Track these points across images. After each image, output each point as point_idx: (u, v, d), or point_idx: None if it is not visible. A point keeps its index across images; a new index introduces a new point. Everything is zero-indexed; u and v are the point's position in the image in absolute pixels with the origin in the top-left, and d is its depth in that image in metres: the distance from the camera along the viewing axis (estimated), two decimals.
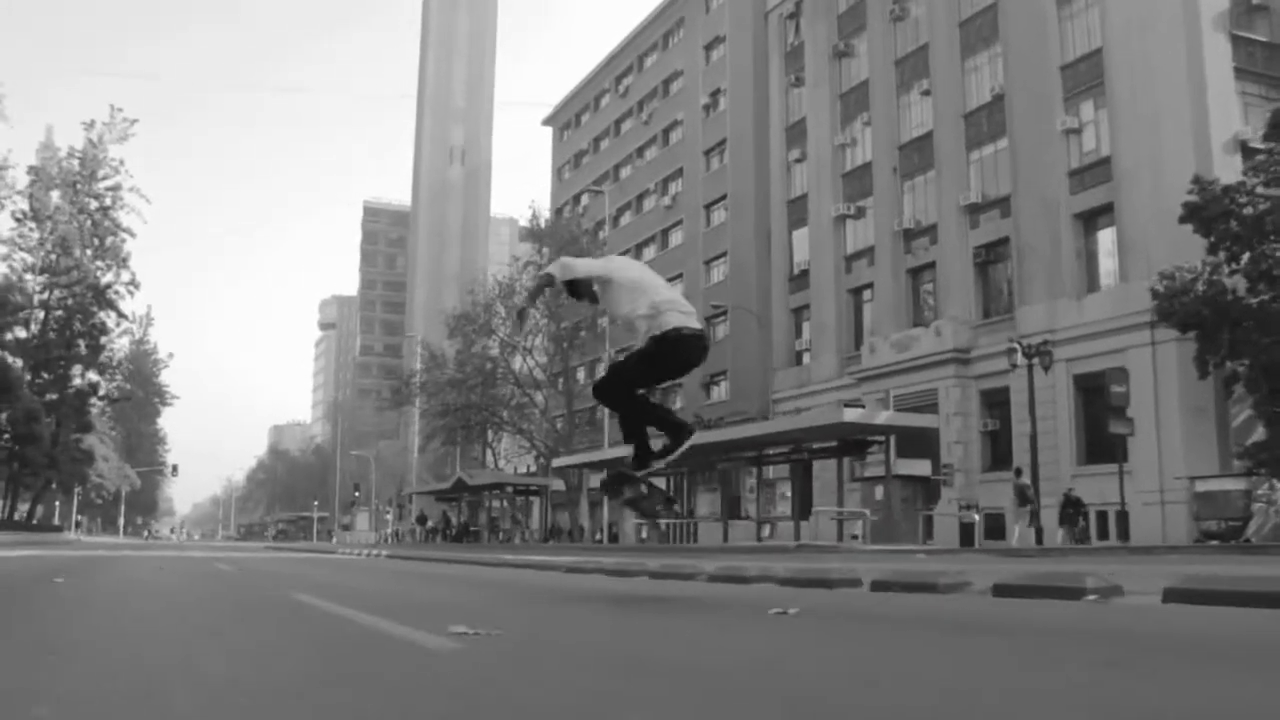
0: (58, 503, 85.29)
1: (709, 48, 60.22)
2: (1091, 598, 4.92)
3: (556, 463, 49.20)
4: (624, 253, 62.58)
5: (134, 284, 60.69)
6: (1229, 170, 29.03)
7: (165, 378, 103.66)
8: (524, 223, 61.47)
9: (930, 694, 2.48)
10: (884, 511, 28.36)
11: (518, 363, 58.34)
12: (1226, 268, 26.97)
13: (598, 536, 48.63)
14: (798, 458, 32.10)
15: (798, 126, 48.16)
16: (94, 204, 59.01)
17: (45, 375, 57.74)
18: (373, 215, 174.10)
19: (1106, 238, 33.92)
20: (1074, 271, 34.14)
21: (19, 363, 55.15)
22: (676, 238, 61.59)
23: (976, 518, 29.53)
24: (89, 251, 58.37)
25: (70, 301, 57.76)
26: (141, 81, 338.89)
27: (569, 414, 56.92)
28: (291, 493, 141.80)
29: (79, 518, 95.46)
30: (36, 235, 56.95)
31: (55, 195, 57.68)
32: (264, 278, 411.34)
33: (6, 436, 52.82)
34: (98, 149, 58.60)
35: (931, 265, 39.88)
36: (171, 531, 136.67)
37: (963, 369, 37.04)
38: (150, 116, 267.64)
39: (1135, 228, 32.20)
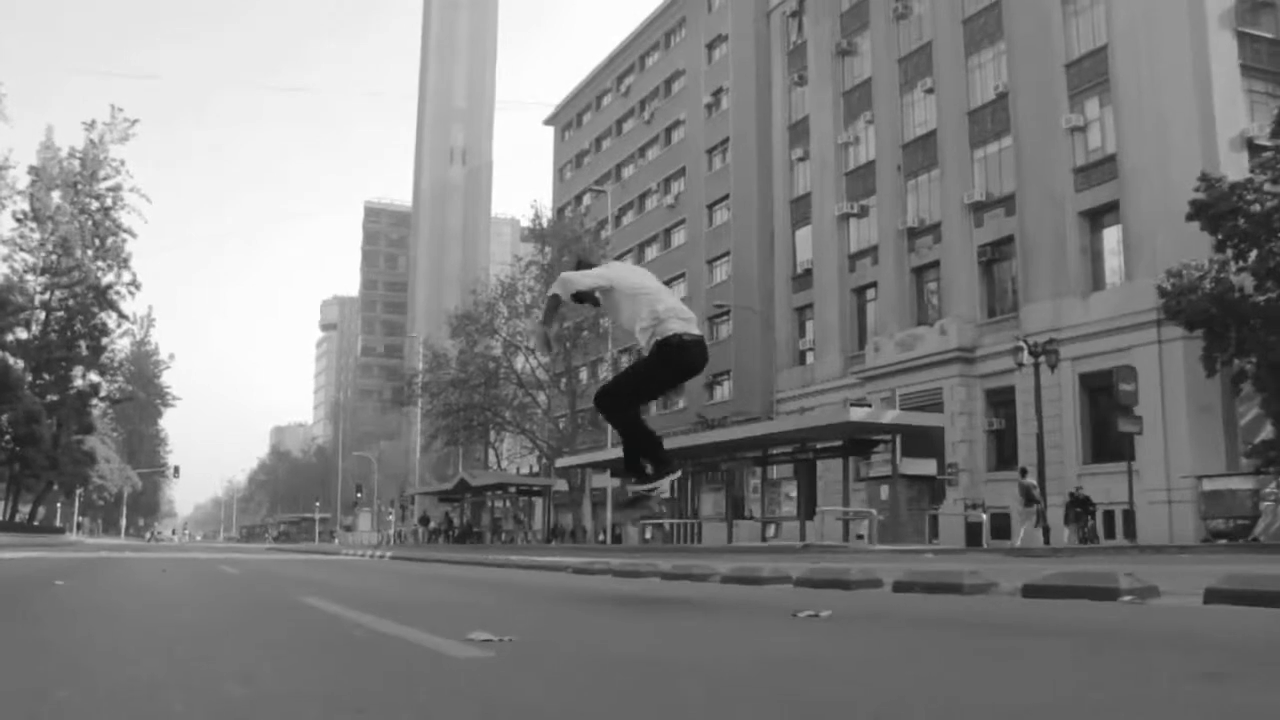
0: (59, 504, 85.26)
1: (711, 46, 60.09)
2: (1128, 599, 4.76)
3: (560, 463, 49.05)
4: (626, 253, 62.62)
5: (135, 284, 60.61)
6: (1235, 168, 28.89)
7: (166, 379, 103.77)
8: (526, 223, 61.27)
9: (1025, 707, 2.33)
10: (890, 511, 28.19)
11: (520, 362, 58.19)
12: (1234, 265, 26.83)
13: (601, 537, 48.48)
14: (803, 457, 31.92)
15: (800, 125, 48.01)
16: (95, 204, 58.90)
17: (46, 376, 57.62)
18: (374, 216, 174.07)
19: (1112, 236, 33.78)
20: (1079, 270, 33.99)
21: (20, 364, 55.04)
22: (679, 237, 61.46)
23: (984, 517, 29.37)
24: (90, 252, 58.26)
25: (71, 302, 57.66)
26: (142, 82, 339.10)
27: (572, 414, 56.76)
28: (293, 494, 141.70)
29: (80, 519, 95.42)
30: (37, 236, 56.84)
31: (56, 195, 57.57)
32: (265, 278, 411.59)
33: (7, 438, 52.68)
34: (98, 149, 58.49)
35: (935, 264, 39.74)
36: (173, 533, 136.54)
37: (967, 368, 36.90)
38: (150, 117, 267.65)
39: (1141, 225, 32.06)
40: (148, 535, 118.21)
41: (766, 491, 32.84)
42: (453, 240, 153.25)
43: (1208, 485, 27.29)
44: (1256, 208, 25.77)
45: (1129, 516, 28.52)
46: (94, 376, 61.31)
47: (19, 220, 56.51)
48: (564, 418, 57.73)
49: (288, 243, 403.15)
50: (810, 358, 46.40)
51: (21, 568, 13.27)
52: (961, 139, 38.63)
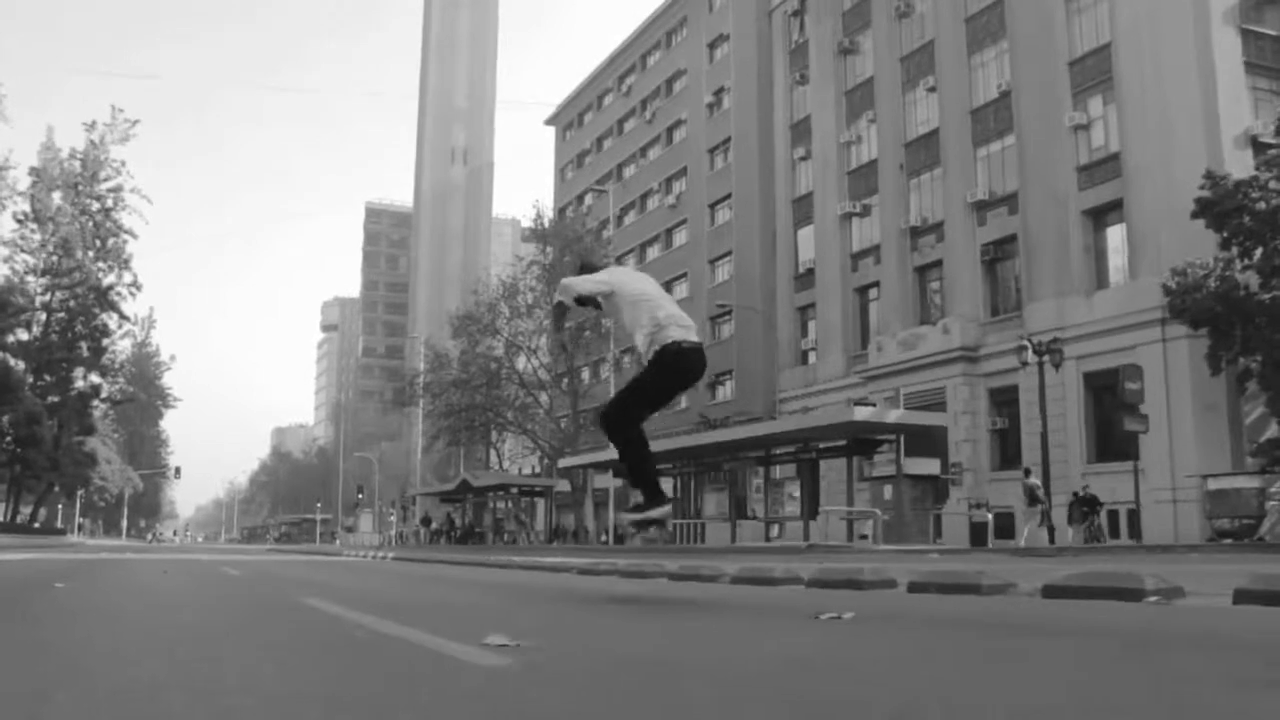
0: (60, 506, 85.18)
1: (712, 46, 60.00)
2: (1153, 599, 4.65)
3: (562, 463, 48.95)
4: (628, 253, 62.57)
5: (136, 286, 60.54)
6: (1240, 165, 28.80)
7: (167, 380, 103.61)
8: (527, 223, 61.20)
9: (1062, 711, 2.22)
10: (894, 511, 28.08)
11: (521, 363, 58.08)
12: (1239, 263, 26.73)
13: (603, 538, 48.38)
14: (806, 457, 31.82)
15: (802, 124, 47.91)
16: (95, 205, 58.82)
17: (47, 377, 57.52)
18: (374, 216, 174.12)
19: (1116, 234, 33.67)
20: (1083, 268, 33.88)
21: (21, 365, 54.95)
22: (681, 237, 61.35)
23: (989, 517, 29.27)
24: (91, 253, 58.18)
25: (72, 303, 57.58)
26: (142, 82, 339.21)
27: (574, 414, 56.61)
28: (294, 495, 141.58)
29: (81, 521, 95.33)
30: (38, 237, 56.76)
31: (57, 196, 57.48)
32: (266, 279, 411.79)
33: (8, 439, 52.59)
34: (99, 150, 58.41)
35: (938, 263, 39.64)
36: (174, 534, 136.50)
37: (970, 367, 36.80)
38: (151, 117, 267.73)
39: (1145, 224, 31.95)
40: (149, 537, 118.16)
41: (770, 492, 32.73)
42: (454, 240, 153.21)
43: (1213, 484, 27.17)
44: (1262, 205, 25.68)
45: (1133, 516, 28.43)
46: (95, 378, 61.23)
47: (20, 221, 56.47)
48: (566, 418, 57.61)
49: (288, 243, 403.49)
50: (812, 357, 46.29)
51: (22, 569, 13.17)
52: (964, 137, 38.53)
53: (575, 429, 55.99)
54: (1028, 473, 28.20)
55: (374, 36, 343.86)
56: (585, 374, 58.25)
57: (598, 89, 74.21)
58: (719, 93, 58.62)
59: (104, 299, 58.68)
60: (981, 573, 5.74)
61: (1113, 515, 29.16)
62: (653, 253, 63.72)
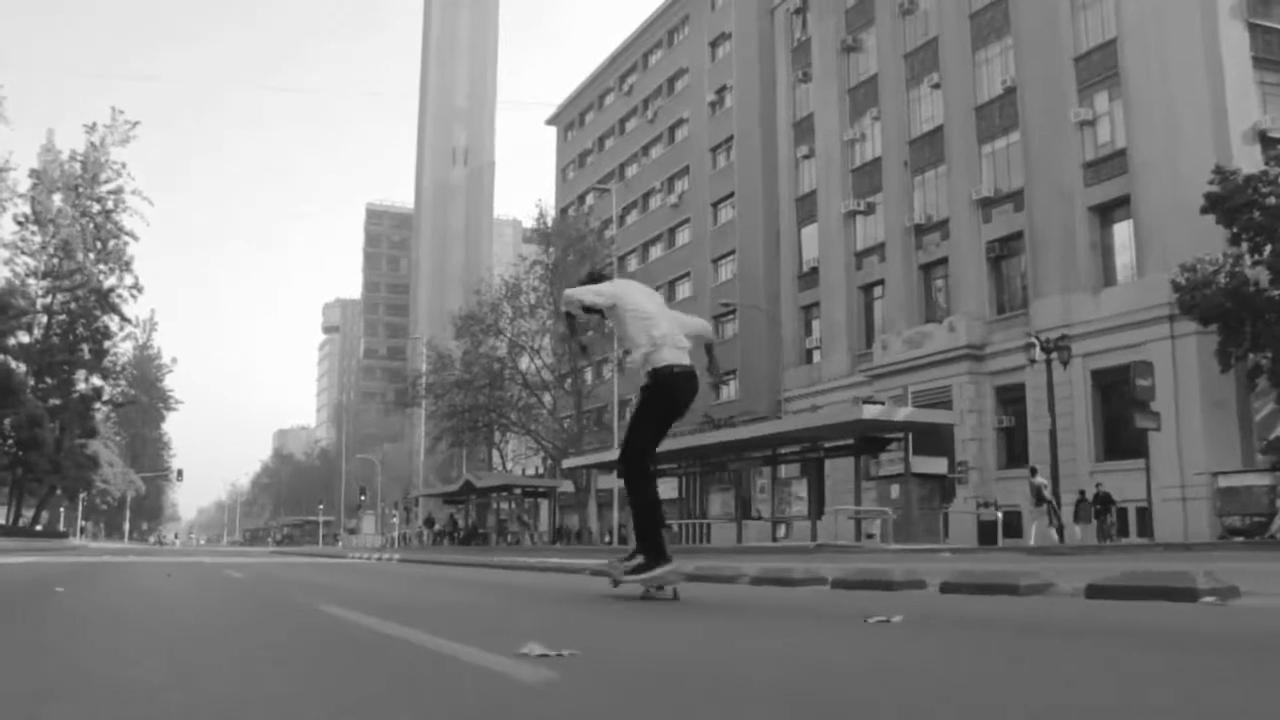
0: (62, 509, 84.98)
1: (714, 44, 59.83)
2: (1209, 600, 4.45)
3: (566, 463, 48.78)
4: (630, 252, 62.45)
5: (137, 287, 60.39)
6: (1248, 160, 28.59)
7: (169, 382, 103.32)
8: (529, 223, 61.08)
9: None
10: (903, 510, 27.88)
11: (525, 363, 57.92)
12: (1249, 259, 26.52)
13: (606, 538, 48.20)
14: (813, 456, 31.61)
15: (805, 122, 47.71)
16: (96, 207, 58.64)
17: (49, 380, 57.32)
18: (375, 218, 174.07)
19: (1123, 230, 33.45)
20: (1090, 265, 33.67)
21: (22, 368, 54.78)
22: (683, 236, 61.18)
23: (999, 515, 29.08)
24: (91, 255, 58.00)
25: (73, 305, 57.42)
26: (143, 84, 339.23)
27: (577, 414, 56.48)
28: (296, 496, 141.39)
29: (84, 524, 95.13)
30: (39, 239, 56.58)
31: (57, 199, 57.30)
32: (267, 281, 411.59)
33: (10, 442, 52.43)
34: (99, 152, 58.23)
35: (943, 261, 39.43)
36: (175, 537, 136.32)
37: (976, 365, 36.59)
38: (151, 119, 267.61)
39: (1152, 220, 31.74)
40: (153, 539, 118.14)
41: (776, 491, 32.54)
42: (455, 241, 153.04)
43: (1223, 482, 27.01)
44: (1272, 200, 25.48)
45: (1143, 514, 28.24)
46: (96, 380, 61.07)
47: (20, 223, 56.30)
48: (569, 418, 57.46)
49: (289, 245, 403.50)
50: (817, 356, 46.08)
51: (24, 573, 12.98)
52: (969, 134, 38.32)
53: (579, 429, 55.85)
54: (1034, 471, 27.98)
55: (374, 37, 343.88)
56: (589, 375, 58.06)
57: (599, 88, 74.05)
58: (721, 91, 58.45)
59: (105, 301, 58.51)
60: (1017, 574, 5.55)
61: (1121, 513, 28.97)
62: (655, 252, 63.57)
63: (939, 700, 2.43)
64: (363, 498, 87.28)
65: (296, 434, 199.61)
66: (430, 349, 63.35)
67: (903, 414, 29.10)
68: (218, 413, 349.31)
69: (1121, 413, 31.57)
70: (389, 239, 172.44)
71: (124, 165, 59.61)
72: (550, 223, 59.71)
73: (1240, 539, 24.83)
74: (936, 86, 40.05)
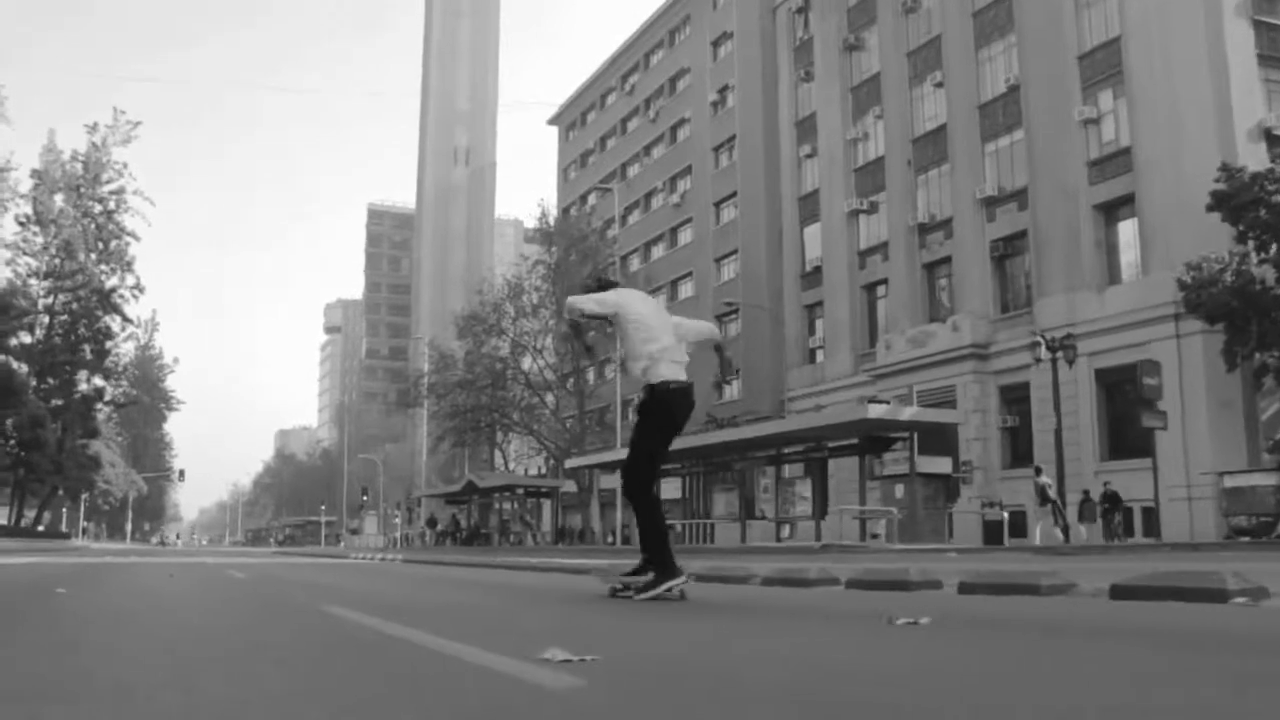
0: (64, 509, 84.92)
1: (716, 44, 59.71)
2: (1240, 600, 4.35)
3: (569, 463, 48.69)
4: (632, 252, 62.35)
5: (139, 288, 60.27)
6: (1253, 158, 28.52)
7: (171, 383, 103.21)
8: (531, 223, 61.03)
9: None
10: (908, 510, 27.76)
11: (527, 363, 57.84)
12: (1255, 257, 26.40)
13: (609, 539, 48.10)
14: (817, 456, 31.47)
15: (808, 121, 47.60)
16: (98, 208, 58.53)
17: (50, 380, 57.24)
18: (377, 218, 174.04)
19: (1127, 229, 33.34)
20: (1094, 263, 33.56)
21: (24, 368, 54.69)
22: (686, 236, 61.05)
23: (1005, 515, 28.98)
24: (93, 255, 57.91)
25: (75, 306, 57.32)
26: (144, 85, 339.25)
27: (580, 414, 56.38)
28: (298, 497, 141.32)
29: (86, 524, 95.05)
30: (40, 239, 56.50)
31: (59, 199, 57.20)
32: (268, 281, 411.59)
33: (12, 443, 52.34)
34: (101, 152, 58.13)
35: (947, 259, 39.32)
36: (177, 537, 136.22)
37: (981, 364, 36.49)
38: (153, 119, 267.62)
39: (1157, 218, 31.62)
40: (154, 539, 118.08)
41: (780, 491, 32.40)
42: (456, 242, 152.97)
43: (1229, 482, 26.88)
44: (1278, 198, 25.35)
45: (1148, 514, 28.14)
46: (98, 381, 60.95)
47: (22, 224, 56.19)
48: (572, 418, 57.37)
49: (291, 245, 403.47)
50: (820, 356, 45.98)
51: (21, 574, 12.89)
52: (972, 133, 38.21)
53: (581, 429, 55.77)
54: (1039, 471, 27.88)
55: (375, 38, 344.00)
56: (591, 375, 57.98)
57: (601, 88, 73.95)
58: (723, 91, 58.33)
59: (107, 301, 58.41)
60: (1038, 574, 5.45)
61: (1127, 513, 28.84)
62: (657, 251, 63.46)
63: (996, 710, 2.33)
64: (365, 498, 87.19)
65: (298, 434, 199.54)
66: (432, 349, 63.26)
67: (908, 413, 28.95)
68: (219, 413, 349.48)
69: (1126, 412, 31.47)
70: (390, 239, 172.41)
71: (125, 165, 59.56)
72: (552, 222, 59.63)
73: (1246, 539, 24.70)
74: (939, 85, 39.94)
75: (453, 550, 40.74)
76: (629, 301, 6.59)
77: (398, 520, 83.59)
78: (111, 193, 58.83)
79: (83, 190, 57.78)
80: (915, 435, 28.47)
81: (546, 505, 57.28)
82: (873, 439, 28.80)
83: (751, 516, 34.09)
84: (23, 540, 45.87)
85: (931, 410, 33.71)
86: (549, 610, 6.09)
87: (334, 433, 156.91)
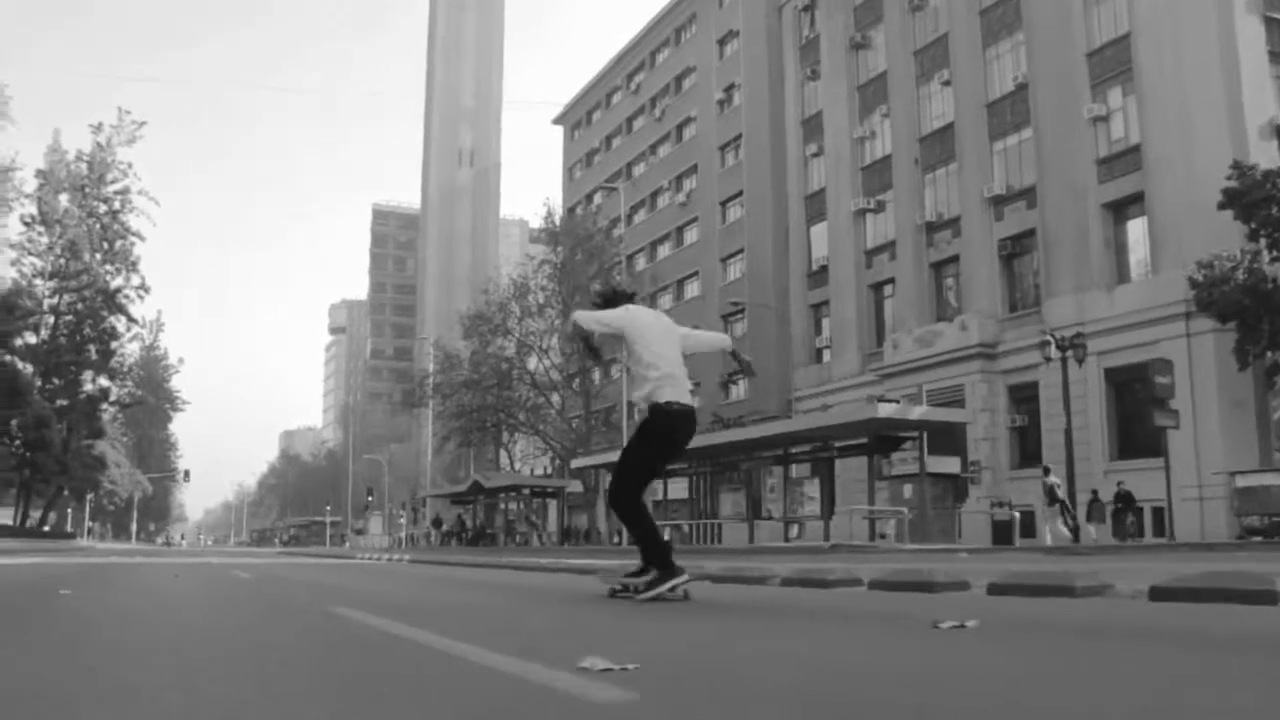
0: (70, 510, 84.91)
1: (722, 42, 59.56)
2: None
3: (575, 463, 48.54)
4: (638, 251, 62.21)
5: (144, 288, 60.18)
6: (1265, 156, 28.33)
7: (176, 383, 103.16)
8: (536, 223, 60.93)
9: None
10: (918, 510, 27.57)
11: (533, 363, 57.71)
12: (1267, 255, 26.21)
13: (615, 539, 47.93)
14: (825, 455, 31.29)
15: (814, 120, 47.43)
16: (103, 208, 58.46)
17: (56, 381, 57.19)
18: (381, 218, 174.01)
19: (1137, 227, 33.15)
20: (1103, 262, 33.36)
21: (29, 368, 54.64)
22: (692, 235, 60.91)
23: (1016, 515, 28.79)
24: (98, 255, 57.84)
25: (80, 306, 57.27)
26: (148, 85, 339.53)
27: (586, 414, 56.24)
28: (303, 497, 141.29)
29: (91, 524, 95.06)
30: (45, 240, 56.43)
31: (64, 199, 57.15)
32: (273, 282, 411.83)
33: (18, 443, 52.29)
34: (106, 152, 58.06)
35: (955, 259, 39.14)
36: (182, 538, 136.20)
37: (989, 364, 36.32)
38: (156, 120, 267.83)
39: (1166, 217, 31.43)
40: (159, 540, 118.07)
41: (789, 491, 32.21)
42: (461, 242, 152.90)
43: (1241, 481, 26.67)
44: None
45: (1159, 514, 27.95)
46: (103, 381, 60.87)
47: (27, 224, 56.14)
48: (578, 418, 57.24)
49: (295, 246, 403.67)
50: (827, 355, 45.82)
51: (24, 575, 12.76)
52: (980, 131, 38.03)
53: (587, 429, 55.62)
54: (1047, 471, 27.68)
55: (378, 38, 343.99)
56: (597, 375, 57.86)
57: (606, 87, 73.83)
58: (729, 89, 58.21)
59: (112, 302, 58.34)
60: (1073, 574, 5.28)
61: (1137, 513, 28.64)
62: (663, 251, 63.33)
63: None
64: (370, 498, 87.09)
65: (303, 435, 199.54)
66: (438, 349, 63.13)
67: (918, 412, 28.74)
68: (224, 413, 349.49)
69: (1136, 411, 31.28)
70: (395, 240, 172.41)
71: (130, 165, 59.45)
72: (558, 222, 59.52)
73: (1259, 539, 24.49)
74: (947, 83, 39.76)
75: (458, 551, 40.60)
76: (635, 326, 6.49)
77: (403, 520, 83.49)
78: (116, 193, 58.78)
79: (88, 190, 57.72)
80: (924, 435, 28.27)
81: (552, 505, 57.05)
82: (882, 438, 28.61)
83: (758, 517, 33.91)
84: (28, 541, 45.83)
85: (941, 410, 33.51)
86: (566, 611, 5.93)
87: (339, 433, 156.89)
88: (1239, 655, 3.13)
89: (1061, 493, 26.80)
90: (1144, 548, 22.63)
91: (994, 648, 3.35)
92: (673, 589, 6.16)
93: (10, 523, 55.80)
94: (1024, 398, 35.64)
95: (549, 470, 65.17)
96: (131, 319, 60.95)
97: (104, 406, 62.33)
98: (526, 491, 53.85)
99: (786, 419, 41.88)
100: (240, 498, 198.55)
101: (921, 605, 4.80)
